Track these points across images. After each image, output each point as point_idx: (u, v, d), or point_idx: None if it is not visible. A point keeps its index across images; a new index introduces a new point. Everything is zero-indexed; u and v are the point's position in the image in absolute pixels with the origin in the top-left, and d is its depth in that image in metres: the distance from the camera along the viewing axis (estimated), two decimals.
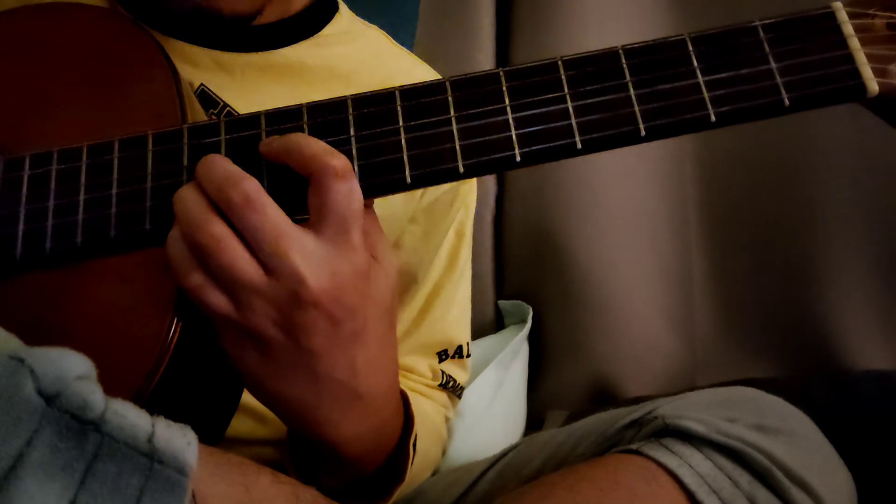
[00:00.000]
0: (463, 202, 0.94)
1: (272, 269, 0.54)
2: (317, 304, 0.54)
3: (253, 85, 0.80)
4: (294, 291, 0.54)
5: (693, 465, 0.64)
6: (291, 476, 0.70)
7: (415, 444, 0.73)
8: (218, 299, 0.55)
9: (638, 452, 0.66)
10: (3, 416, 0.43)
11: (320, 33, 0.85)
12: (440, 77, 0.91)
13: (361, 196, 0.55)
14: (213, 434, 0.66)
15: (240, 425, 0.77)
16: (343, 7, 0.90)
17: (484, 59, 1.46)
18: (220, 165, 0.55)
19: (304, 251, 0.54)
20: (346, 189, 0.54)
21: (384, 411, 0.66)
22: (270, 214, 0.54)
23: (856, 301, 1.30)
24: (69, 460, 0.44)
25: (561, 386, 1.39)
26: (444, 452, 0.97)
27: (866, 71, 0.57)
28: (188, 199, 0.55)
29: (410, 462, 0.72)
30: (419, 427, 0.75)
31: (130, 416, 0.47)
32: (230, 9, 0.75)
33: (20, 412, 0.44)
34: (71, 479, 0.44)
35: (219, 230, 0.54)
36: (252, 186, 0.54)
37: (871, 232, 1.29)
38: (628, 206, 1.42)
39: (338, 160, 0.54)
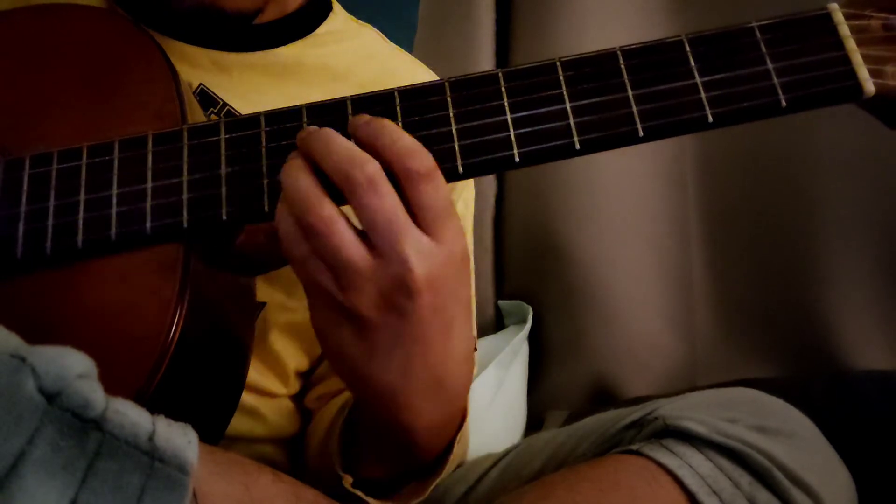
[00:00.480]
0: (460, 196, 0.94)
1: (382, 252, 0.54)
2: (422, 292, 0.55)
3: (250, 84, 0.80)
4: (401, 277, 0.54)
5: (693, 466, 0.64)
6: (334, 462, 0.70)
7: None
8: (323, 275, 0.55)
9: (638, 453, 0.67)
10: (5, 414, 0.44)
11: (315, 32, 0.85)
12: (434, 75, 0.91)
13: (448, 190, 0.56)
14: (213, 433, 0.66)
15: (240, 424, 0.77)
16: (337, 6, 0.90)
17: (484, 59, 1.46)
18: (342, 144, 0.56)
19: (413, 239, 0.54)
20: (433, 187, 0.55)
21: (459, 402, 0.67)
22: (389, 198, 0.54)
23: (856, 301, 1.30)
24: (70, 458, 0.45)
25: (561, 386, 1.39)
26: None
27: (862, 72, 0.57)
28: (300, 177, 0.55)
29: (454, 458, 0.72)
30: None
31: (131, 415, 0.47)
32: (233, 6, 0.75)
33: (21, 410, 0.44)
34: (72, 478, 0.44)
35: (329, 212, 0.54)
36: (376, 168, 0.55)
37: (871, 232, 1.29)
38: (628, 206, 1.42)
39: (419, 163, 0.55)
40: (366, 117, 0.57)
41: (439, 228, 0.55)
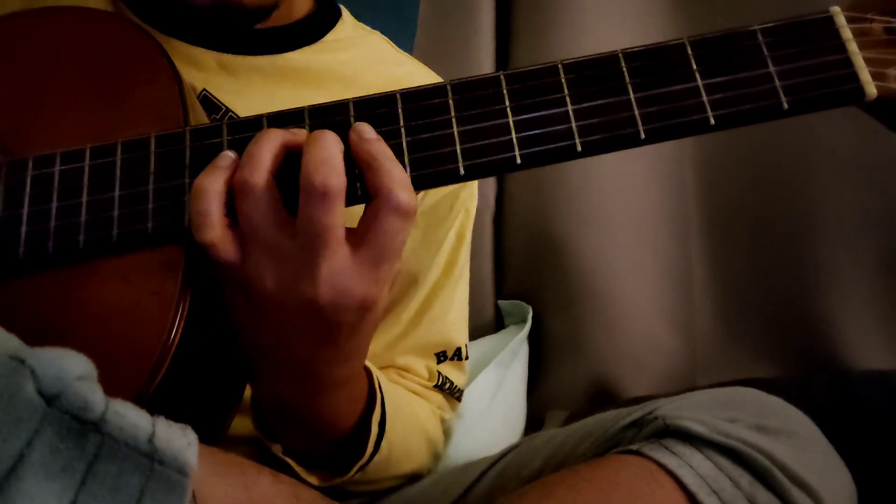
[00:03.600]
0: (464, 206, 0.95)
1: (302, 228, 0.55)
2: (312, 301, 0.55)
3: (256, 88, 0.80)
4: (304, 269, 0.55)
5: (693, 466, 0.64)
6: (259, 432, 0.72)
7: (382, 425, 0.75)
8: (228, 253, 0.56)
9: (638, 453, 0.66)
10: (4, 416, 0.44)
11: (324, 39, 0.86)
12: (441, 80, 0.92)
13: (405, 237, 0.56)
14: (213, 434, 0.66)
15: (240, 424, 0.77)
16: (346, 14, 0.90)
17: (484, 60, 1.46)
18: (331, 147, 0.56)
19: (336, 247, 0.55)
20: (399, 226, 0.55)
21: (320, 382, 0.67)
22: (339, 180, 0.54)
23: (856, 301, 1.30)
24: (69, 461, 0.44)
25: (561, 386, 1.39)
26: (437, 455, 0.97)
27: (864, 75, 0.57)
28: (263, 145, 0.56)
29: (372, 441, 0.73)
30: (395, 417, 0.77)
31: (131, 417, 0.47)
32: (252, 1, 0.76)
33: (21, 412, 0.44)
34: (71, 480, 0.44)
35: (264, 178, 0.55)
36: (336, 149, 0.55)
37: (871, 232, 1.30)
38: (629, 206, 1.42)
39: (407, 196, 0.55)
40: (372, 133, 0.58)
41: (377, 266, 0.56)
